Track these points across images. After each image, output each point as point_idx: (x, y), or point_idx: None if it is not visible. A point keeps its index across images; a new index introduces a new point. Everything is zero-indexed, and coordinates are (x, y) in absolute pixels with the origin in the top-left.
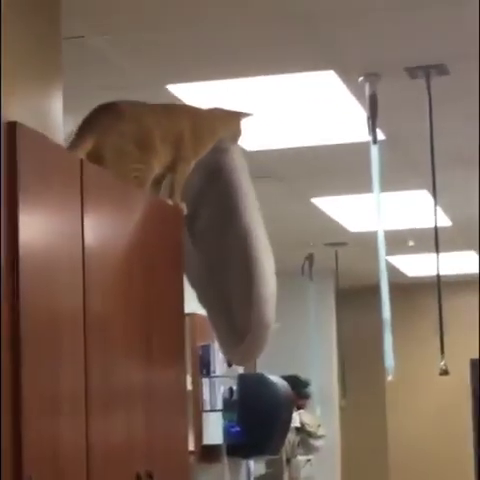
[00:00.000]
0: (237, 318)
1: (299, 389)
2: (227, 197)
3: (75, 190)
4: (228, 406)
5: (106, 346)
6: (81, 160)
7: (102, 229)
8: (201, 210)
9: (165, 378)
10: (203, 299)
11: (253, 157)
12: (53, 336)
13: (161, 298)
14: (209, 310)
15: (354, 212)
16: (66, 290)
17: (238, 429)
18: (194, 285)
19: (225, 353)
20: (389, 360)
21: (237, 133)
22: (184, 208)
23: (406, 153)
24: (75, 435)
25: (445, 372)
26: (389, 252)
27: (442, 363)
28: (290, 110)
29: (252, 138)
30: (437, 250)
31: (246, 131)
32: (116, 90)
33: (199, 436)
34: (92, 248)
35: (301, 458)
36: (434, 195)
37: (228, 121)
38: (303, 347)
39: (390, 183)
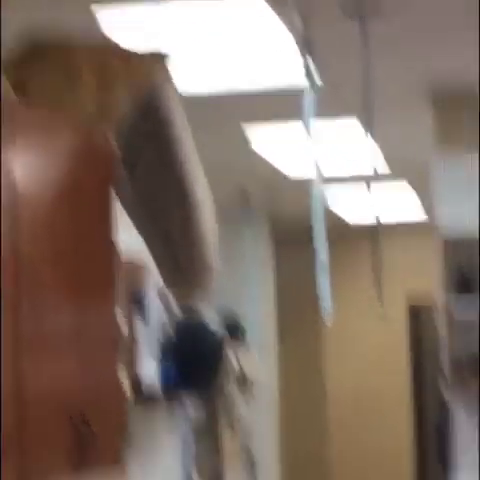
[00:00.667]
0: (181, 260)
1: (235, 333)
2: (164, 136)
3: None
4: (164, 350)
5: (36, 286)
6: (8, 94)
7: (31, 165)
8: (137, 147)
9: (97, 319)
10: (145, 239)
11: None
12: None
13: (91, 237)
14: (152, 250)
15: (291, 157)
16: None
17: (174, 372)
18: (135, 223)
19: (170, 291)
20: (326, 305)
21: (168, 74)
22: (115, 145)
23: (340, 95)
24: (6, 379)
25: (383, 317)
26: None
27: (379, 307)
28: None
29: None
30: (369, 186)
31: (178, 73)
32: (44, 10)
33: (136, 379)
34: (21, 184)
35: (237, 401)
36: (369, 129)
37: (153, 58)
38: (240, 291)
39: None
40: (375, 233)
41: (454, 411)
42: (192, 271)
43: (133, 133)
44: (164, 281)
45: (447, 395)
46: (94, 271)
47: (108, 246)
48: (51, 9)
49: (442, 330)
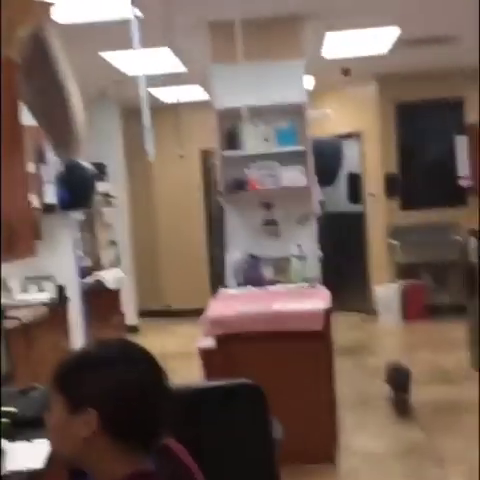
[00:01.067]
0: (62, 132)
1: (101, 170)
2: (49, 59)
3: None
4: (59, 181)
5: None
6: None
7: None
8: (32, 67)
9: (14, 168)
10: (39, 121)
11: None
12: None
13: (7, 121)
14: (44, 128)
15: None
16: None
17: (64, 194)
18: (33, 112)
19: (56, 152)
20: (150, 150)
21: (49, 15)
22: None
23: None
24: None
25: (181, 156)
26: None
27: (180, 152)
28: None
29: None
30: None
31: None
32: None
33: (41, 196)
34: None
35: (106, 210)
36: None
37: (41, 4)
38: (101, 146)
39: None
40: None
41: (225, 209)
42: (69, 138)
43: (29, 54)
44: (52, 145)
45: (222, 201)
46: (10, 139)
47: (17, 123)
48: None
49: (219, 164)
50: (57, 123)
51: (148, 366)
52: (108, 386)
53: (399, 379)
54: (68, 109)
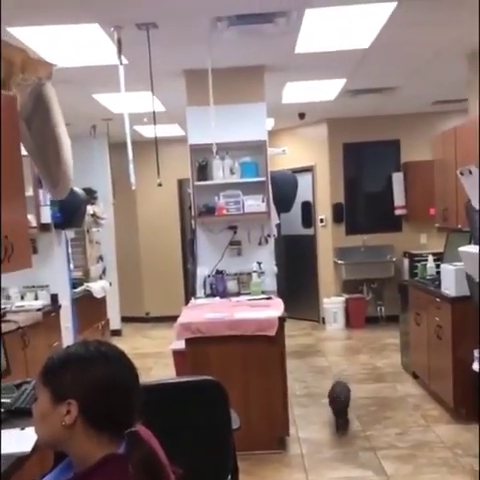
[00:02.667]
0: (54, 175)
1: (91, 194)
2: (48, 113)
3: None
4: (53, 203)
5: None
6: None
7: None
8: (32, 118)
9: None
10: (36, 163)
11: None
12: None
13: (9, 157)
14: (40, 170)
15: (117, 104)
16: None
17: (59, 214)
18: (30, 154)
19: (48, 191)
20: (132, 180)
21: (51, 74)
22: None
23: (139, 71)
24: None
25: (159, 184)
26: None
27: (158, 180)
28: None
29: None
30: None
31: None
32: None
33: (38, 217)
34: None
35: (95, 229)
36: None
37: (45, 64)
38: (92, 175)
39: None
40: (156, 143)
41: (197, 230)
42: (61, 182)
43: (30, 106)
44: (46, 187)
45: (194, 224)
46: (11, 167)
47: (18, 153)
48: None
49: (192, 192)
50: (51, 168)
51: (122, 363)
52: (87, 381)
53: (339, 406)
54: (59, 154)
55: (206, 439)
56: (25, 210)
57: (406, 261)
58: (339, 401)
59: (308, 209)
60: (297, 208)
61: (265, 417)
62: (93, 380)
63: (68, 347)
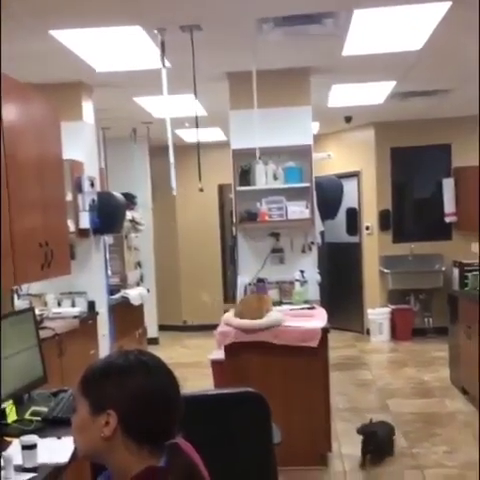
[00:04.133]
0: None
1: (131, 200)
2: None
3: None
4: (92, 207)
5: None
6: None
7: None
8: None
9: (55, 194)
10: None
11: None
12: None
13: (51, 158)
14: None
15: (158, 108)
16: None
17: (97, 220)
18: None
19: None
20: (173, 185)
21: None
22: None
23: (182, 74)
24: (4, 225)
25: (201, 190)
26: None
27: (199, 185)
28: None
29: None
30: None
31: None
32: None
33: (77, 223)
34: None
35: (133, 235)
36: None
37: None
38: (134, 180)
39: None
40: (198, 147)
41: (238, 237)
42: None
43: None
44: None
45: (235, 231)
46: (51, 173)
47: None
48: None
49: (234, 198)
50: None
51: (163, 374)
52: (127, 391)
53: (373, 439)
54: None
55: (247, 453)
56: (65, 216)
57: (456, 271)
58: (374, 436)
59: (353, 216)
60: (342, 215)
61: (306, 431)
62: (133, 391)
63: (108, 357)
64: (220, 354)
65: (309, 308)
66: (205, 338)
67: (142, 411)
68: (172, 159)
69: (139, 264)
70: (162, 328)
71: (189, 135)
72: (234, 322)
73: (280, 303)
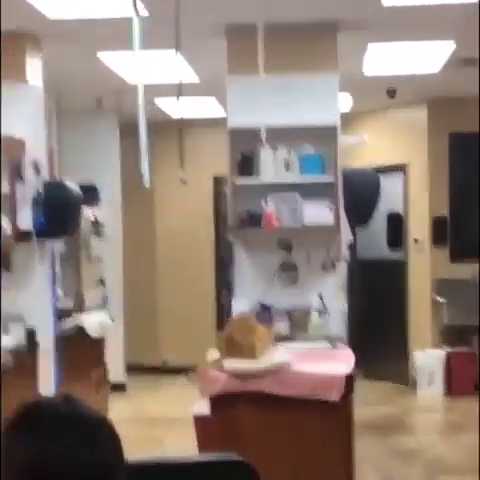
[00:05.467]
0: None
1: (91, 193)
2: None
3: None
4: (36, 202)
5: None
6: None
7: None
8: None
9: None
10: None
11: None
12: None
13: None
14: None
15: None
16: None
17: (43, 219)
18: None
19: None
20: (145, 175)
21: None
22: None
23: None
24: None
25: (183, 181)
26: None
27: (181, 174)
28: None
29: None
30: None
31: None
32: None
33: (14, 223)
34: None
35: (95, 241)
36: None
37: None
38: (96, 165)
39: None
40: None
41: (235, 248)
42: None
43: None
44: None
45: (230, 237)
46: None
47: None
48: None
49: (229, 193)
50: None
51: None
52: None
53: None
54: None
55: None
56: None
57: None
58: None
59: (397, 224)
60: (381, 222)
61: None
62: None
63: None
64: (205, 407)
65: (330, 347)
66: (191, 385)
67: None
68: (144, 137)
69: (102, 281)
70: (132, 370)
71: (175, 108)
72: (223, 364)
73: (290, 339)
